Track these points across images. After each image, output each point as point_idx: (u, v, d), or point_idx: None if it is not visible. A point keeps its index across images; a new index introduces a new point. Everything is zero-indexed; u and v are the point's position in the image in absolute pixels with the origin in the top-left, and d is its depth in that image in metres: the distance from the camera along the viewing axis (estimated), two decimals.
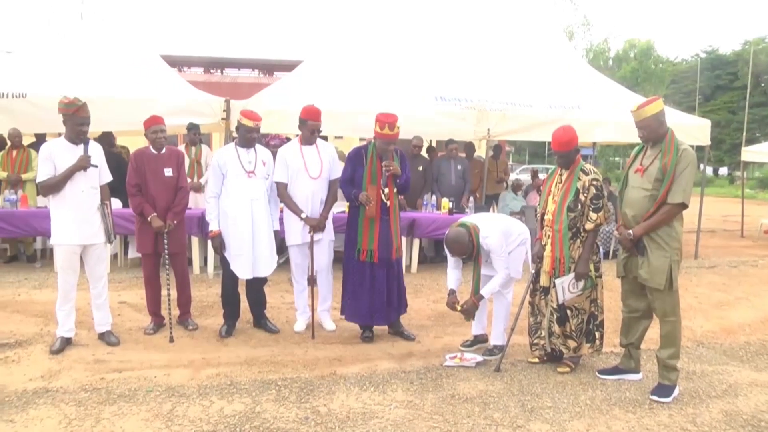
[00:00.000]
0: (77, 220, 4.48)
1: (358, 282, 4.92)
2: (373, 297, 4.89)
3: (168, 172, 5.04)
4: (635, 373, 4.37)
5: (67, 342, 4.70)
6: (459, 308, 4.54)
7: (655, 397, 4.01)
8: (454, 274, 4.72)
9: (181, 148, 8.17)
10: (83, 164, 4.43)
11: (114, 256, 7.57)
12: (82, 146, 4.51)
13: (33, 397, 3.83)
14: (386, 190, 4.85)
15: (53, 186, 4.42)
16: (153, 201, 4.98)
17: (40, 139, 8.11)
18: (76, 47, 8.35)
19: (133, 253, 7.39)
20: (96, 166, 4.57)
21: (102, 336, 4.87)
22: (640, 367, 4.41)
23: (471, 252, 4.52)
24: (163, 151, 5.07)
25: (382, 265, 4.89)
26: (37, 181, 4.47)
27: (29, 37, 8.43)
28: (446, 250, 4.64)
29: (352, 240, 4.95)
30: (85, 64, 7.98)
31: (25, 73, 7.48)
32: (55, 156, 4.43)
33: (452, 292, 4.66)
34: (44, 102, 6.98)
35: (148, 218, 4.92)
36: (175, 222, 5.02)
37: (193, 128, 7.94)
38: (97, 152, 4.62)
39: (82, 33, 8.82)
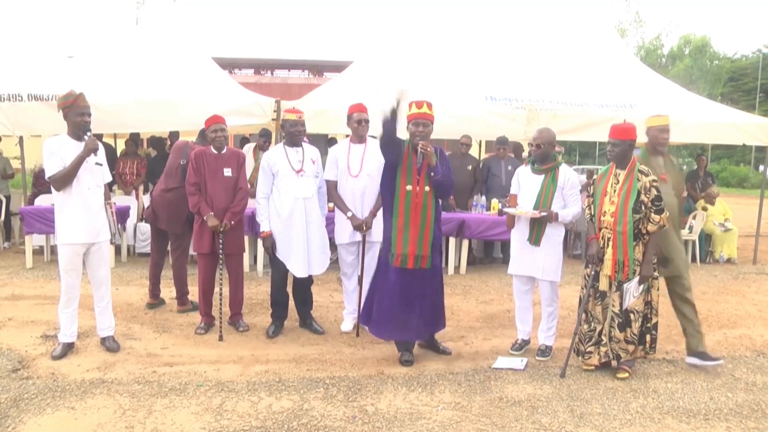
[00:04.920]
0: (85, 218, 4.36)
1: (391, 291, 4.41)
2: (401, 308, 4.38)
3: (227, 172, 5.04)
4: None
5: (69, 347, 4.56)
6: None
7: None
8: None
9: (249, 148, 8.29)
10: (93, 146, 4.29)
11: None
12: (84, 142, 4.32)
13: (90, 387, 3.97)
14: (416, 188, 4.34)
15: (65, 176, 4.25)
16: (211, 201, 5.00)
17: (98, 139, 8.36)
18: (132, 51, 8.58)
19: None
20: (101, 165, 4.50)
21: (103, 341, 4.68)
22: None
23: (548, 153, 4.61)
24: (224, 151, 5.08)
25: (411, 273, 4.38)
26: (48, 175, 4.29)
27: (88, 41, 8.67)
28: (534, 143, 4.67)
29: (386, 243, 4.46)
30: (140, 68, 8.21)
31: (85, 77, 7.71)
32: (61, 151, 4.27)
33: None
34: (103, 104, 7.21)
35: (204, 217, 4.94)
36: (232, 222, 5.00)
37: (265, 135, 8.02)
38: (99, 151, 4.45)
39: (137, 37, 9.07)
